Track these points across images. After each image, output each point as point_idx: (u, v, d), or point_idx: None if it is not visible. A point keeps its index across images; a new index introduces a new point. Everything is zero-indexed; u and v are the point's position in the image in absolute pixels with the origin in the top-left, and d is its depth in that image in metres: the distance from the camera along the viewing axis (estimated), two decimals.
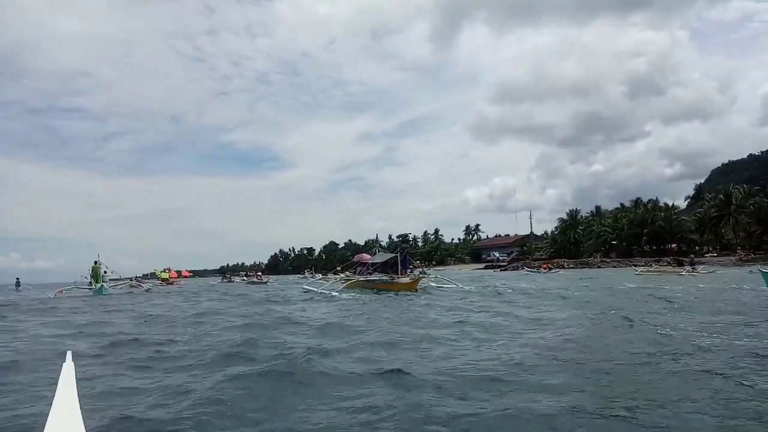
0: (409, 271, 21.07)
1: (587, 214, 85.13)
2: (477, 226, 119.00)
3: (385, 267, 21.11)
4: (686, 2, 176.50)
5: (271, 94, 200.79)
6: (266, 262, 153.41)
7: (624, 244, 71.67)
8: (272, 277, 55.75)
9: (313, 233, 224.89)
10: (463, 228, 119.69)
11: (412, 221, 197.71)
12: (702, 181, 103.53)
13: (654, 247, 69.29)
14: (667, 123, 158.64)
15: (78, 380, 1.65)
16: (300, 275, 60.75)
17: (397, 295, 16.77)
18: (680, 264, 32.96)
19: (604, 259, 66.82)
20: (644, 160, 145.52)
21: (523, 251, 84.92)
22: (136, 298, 19.76)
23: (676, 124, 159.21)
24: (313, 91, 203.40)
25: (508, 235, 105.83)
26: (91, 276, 23.05)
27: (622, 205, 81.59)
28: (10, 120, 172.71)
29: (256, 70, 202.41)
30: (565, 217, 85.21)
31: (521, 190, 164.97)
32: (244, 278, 44.34)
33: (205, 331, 7.57)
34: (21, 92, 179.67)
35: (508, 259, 79.17)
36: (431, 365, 4.50)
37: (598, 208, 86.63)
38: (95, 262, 23.20)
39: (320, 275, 45.65)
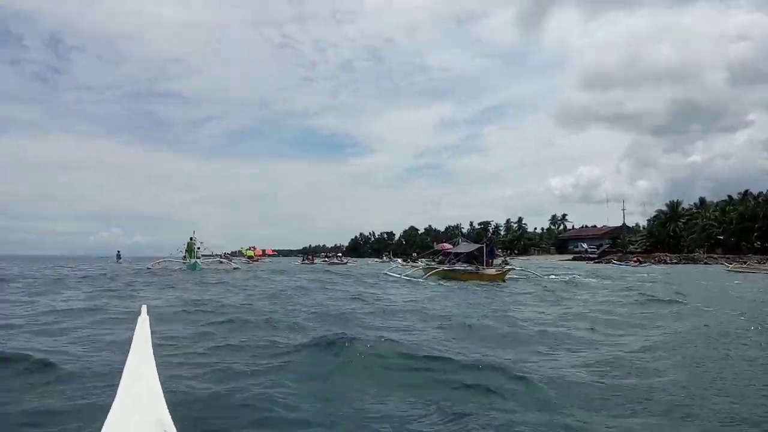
0: (493, 261, 20.29)
1: (689, 206, 78.62)
2: (564, 215, 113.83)
3: (469, 257, 20.46)
4: None
5: (353, 81, 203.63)
6: (347, 244, 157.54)
7: (732, 239, 65.27)
8: (351, 260, 57.00)
9: (391, 218, 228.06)
10: (549, 218, 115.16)
11: (491, 209, 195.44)
12: None
13: (767, 244, 62.35)
14: None
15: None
16: (378, 259, 61.32)
17: (488, 284, 16.40)
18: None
19: (710, 255, 60.97)
20: (745, 152, 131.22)
21: (615, 243, 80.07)
22: (238, 274, 20.53)
23: None
24: (395, 77, 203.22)
25: (595, 226, 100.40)
26: (186, 251, 24.31)
27: (729, 197, 74.45)
28: (111, 104, 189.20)
29: (341, 57, 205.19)
30: (663, 208, 79.39)
31: (609, 181, 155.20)
32: (325, 260, 45.29)
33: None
34: (122, 77, 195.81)
35: (598, 251, 75.06)
36: None
37: (702, 200, 79.70)
38: (190, 238, 24.35)
39: (401, 260, 46.32)
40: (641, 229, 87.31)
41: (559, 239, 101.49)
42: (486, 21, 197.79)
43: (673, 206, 78.32)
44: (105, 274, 19.46)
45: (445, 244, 31.22)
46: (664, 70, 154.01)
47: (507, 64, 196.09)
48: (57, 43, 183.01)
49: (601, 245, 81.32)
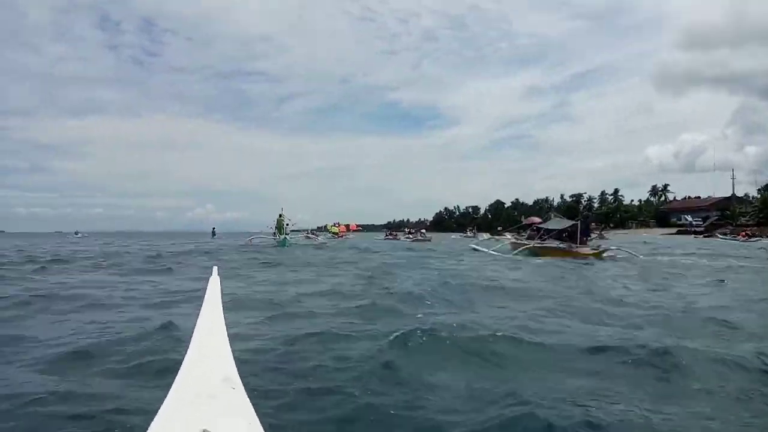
0: (588, 239, 19.01)
1: None
2: (665, 186, 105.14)
3: (560, 234, 19.33)
4: None
5: (436, 51, 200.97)
6: (431, 218, 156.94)
7: None
8: (433, 234, 56.69)
9: (476, 191, 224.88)
10: (648, 189, 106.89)
11: (582, 181, 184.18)
12: None
13: None
14: None
15: None
16: (462, 234, 60.55)
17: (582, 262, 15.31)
18: None
19: None
20: None
21: (724, 215, 72.68)
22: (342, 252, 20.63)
23: None
24: (480, 44, 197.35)
25: (699, 197, 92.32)
26: (276, 227, 25.08)
27: None
28: (201, 84, 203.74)
29: (423, 27, 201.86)
30: None
31: (714, 148, 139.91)
32: (409, 236, 45.19)
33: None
34: (211, 57, 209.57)
35: (704, 225, 68.46)
36: None
37: None
38: (279, 215, 25.07)
39: (486, 235, 45.46)
40: (752, 199, 78.48)
41: (660, 211, 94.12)
42: None
43: None
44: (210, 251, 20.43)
45: (534, 218, 29.97)
46: None
47: (598, 26, 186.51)
48: (150, 27, 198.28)
49: (707, 217, 74.23)
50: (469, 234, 55.11)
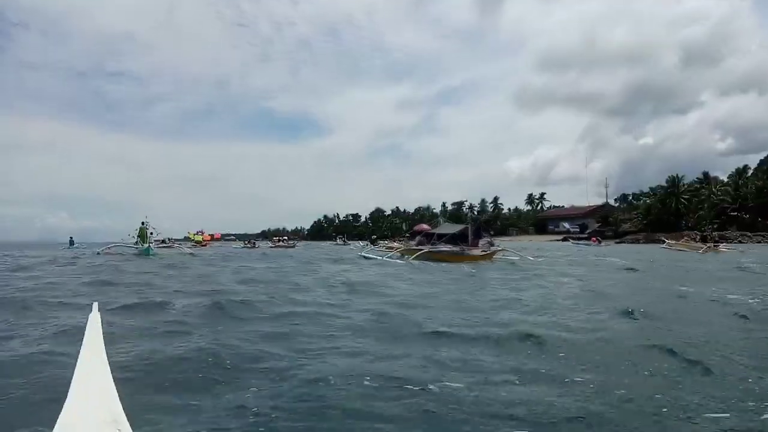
0: (479, 241, 20.55)
1: (694, 181, 79.77)
2: (542, 194, 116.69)
3: (453, 239, 20.66)
4: None
5: (311, 60, 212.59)
6: (308, 227, 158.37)
7: (746, 215, 66.88)
8: (300, 243, 58.38)
9: (354, 200, 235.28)
10: (524, 198, 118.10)
11: (452, 191, 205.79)
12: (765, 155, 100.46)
13: None
14: (723, 94, 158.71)
15: None
16: (332, 242, 62.27)
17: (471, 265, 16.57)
18: (704, 240, 36.39)
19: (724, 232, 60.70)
20: (696, 133, 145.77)
21: (607, 222, 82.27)
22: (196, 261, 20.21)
23: (731, 95, 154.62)
24: (354, 56, 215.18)
25: (573, 206, 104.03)
26: (138, 236, 24.67)
27: (745, 167, 76.79)
28: (58, 82, 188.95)
29: (298, 35, 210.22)
30: (622, 189, 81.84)
31: (566, 161, 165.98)
32: (270, 244, 47.39)
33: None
34: (68, 55, 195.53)
35: (588, 232, 77.02)
36: None
37: (706, 174, 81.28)
38: (142, 223, 24.65)
39: (361, 243, 47.69)
40: (621, 207, 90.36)
41: (539, 219, 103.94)
42: (445, 1, 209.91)
43: (674, 181, 78.16)
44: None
45: (423, 225, 31.74)
46: (618, 52, 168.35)
47: (466, 45, 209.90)
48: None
49: (584, 225, 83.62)
50: (339, 242, 57.07)
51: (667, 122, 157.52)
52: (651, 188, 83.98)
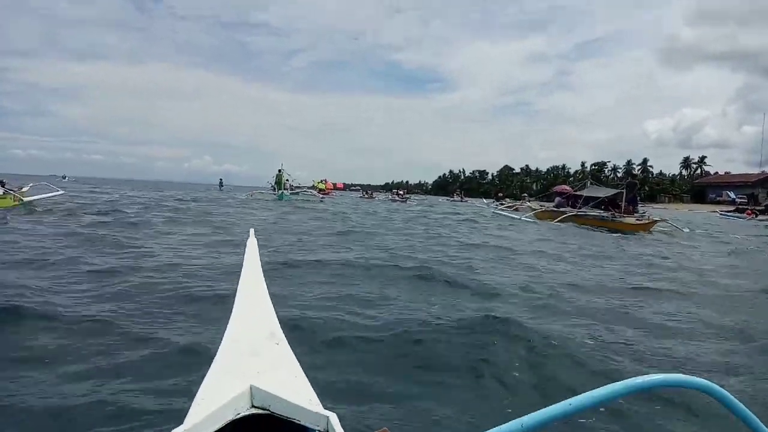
0: (634, 209, 19.38)
1: None
2: (702, 158, 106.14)
3: (601, 203, 19.74)
4: None
5: (442, 11, 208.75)
6: (431, 182, 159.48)
7: None
8: (417, 197, 60.92)
9: (479, 157, 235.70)
10: (680, 160, 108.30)
11: (584, 151, 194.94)
12: None
13: None
14: None
15: None
16: (449, 197, 62.21)
17: (626, 234, 15.83)
18: None
19: None
20: None
21: None
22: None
23: None
24: (487, 5, 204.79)
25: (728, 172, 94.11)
26: (275, 182, 27.62)
27: None
28: (205, 34, 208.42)
29: None
30: None
31: (713, 126, 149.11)
32: (394, 197, 49.25)
33: None
34: (215, 7, 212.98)
35: (765, 203, 69.23)
36: None
37: None
38: (279, 171, 27.36)
39: (485, 201, 47.54)
40: None
41: (697, 185, 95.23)
42: None
43: None
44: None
45: (564, 186, 30.55)
46: None
47: None
48: None
49: (753, 194, 75.18)
50: (456, 198, 56.72)
51: None
52: None
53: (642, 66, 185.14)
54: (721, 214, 46.46)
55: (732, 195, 77.11)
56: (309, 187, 45.47)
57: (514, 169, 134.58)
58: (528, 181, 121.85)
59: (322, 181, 51.66)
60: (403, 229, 12.70)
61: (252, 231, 2.32)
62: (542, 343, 3.25)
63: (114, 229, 8.84)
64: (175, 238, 8.16)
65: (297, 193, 32.25)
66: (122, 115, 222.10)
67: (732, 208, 58.57)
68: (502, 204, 37.24)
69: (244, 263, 2.00)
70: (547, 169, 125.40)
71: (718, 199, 79.42)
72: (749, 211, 47.90)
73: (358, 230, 11.46)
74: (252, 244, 2.16)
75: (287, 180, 28.02)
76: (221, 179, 50.87)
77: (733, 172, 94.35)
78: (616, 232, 16.49)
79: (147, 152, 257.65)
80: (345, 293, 4.57)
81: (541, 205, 25.65)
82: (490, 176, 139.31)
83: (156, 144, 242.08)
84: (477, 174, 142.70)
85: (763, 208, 64.29)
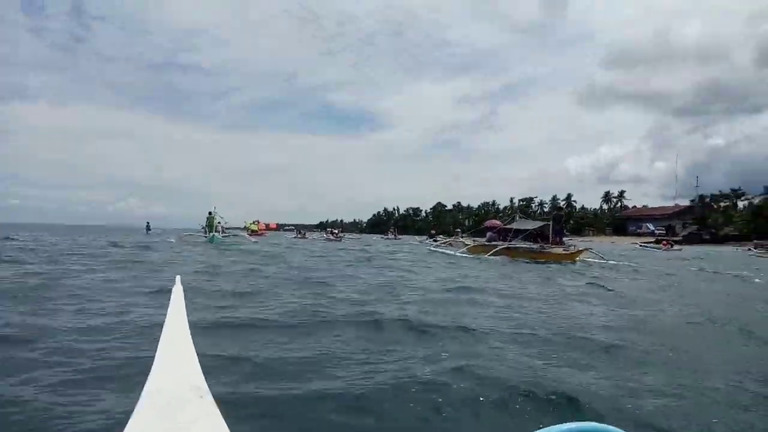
0: (561, 240, 20.32)
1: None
2: (621, 192, 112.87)
3: (530, 236, 20.58)
4: None
5: (374, 55, 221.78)
6: (366, 219, 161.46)
7: None
8: (352, 235, 63.51)
9: (412, 194, 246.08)
10: (598, 196, 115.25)
11: (511, 188, 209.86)
12: None
13: None
14: None
15: None
16: (383, 235, 63.46)
17: (560, 264, 16.78)
18: None
19: None
20: None
21: (705, 224, 78.77)
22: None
23: None
24: (416, 51, 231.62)
25: (645, 206, 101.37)
26: (207, 224, 27.37)
27: None
28: (133, 74, 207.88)
29: (362, 31, 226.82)
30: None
31: (628, 162, 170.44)
32: (323, 235, 50.55)
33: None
34: (144, 48, 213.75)
35: (682, 235, 74.11)
36: None
37: None
38: (210, 213, 27.25)
39: (418, 239, 49.04)
40: (719, 208, 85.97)
41: (618, 219, 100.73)
42: None
43: None
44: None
45: (494, 220, 31.72)
46: (690, 49, 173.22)
47: (530, 39, 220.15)
48: (80, 13, 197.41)
49: (670, 226, 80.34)
50: (389, 236, 57.69)
51: (739, 123, 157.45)
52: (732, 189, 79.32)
53: (562, 106, 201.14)
54: (641, 245, 49.72)
55: (651, 227, 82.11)
56: (241, 229, 44.96)
57: (446, 206, 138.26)
58: (461, 217, 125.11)
59: (254, 222, 51.52)
60: (340, 270, 12.60)
61: (178, 278, 2.25)
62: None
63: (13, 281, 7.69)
64: (88, 290, 7.08)
65: (228, 236, 31.72)
66: (43, 158, 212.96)
67: (652, 239, 62.56)
68: (435, 241, 38.07)
69: (168, 311, 1.94)
70: (479, 205, 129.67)
71: (638, 231, 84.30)
72: (665, 242, 51.55)
73: (295, 271, 11.19)
74: (178, 292, 2.10)
75: (219, 222, 27.71)
76: (148, 222, 49.38)
77: (650, 205, 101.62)
78: (546, 263, 17.31)
79: (69, 196, 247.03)
80: (296, 351, 4.05)
81: (474, 240, 26.27)
82: (424, 213, 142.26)
83: (78, 187, 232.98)
84: (411, 211, 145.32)
85: (680, 238, 69.06)
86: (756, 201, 79.05)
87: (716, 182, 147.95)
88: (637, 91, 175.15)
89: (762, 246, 43.75)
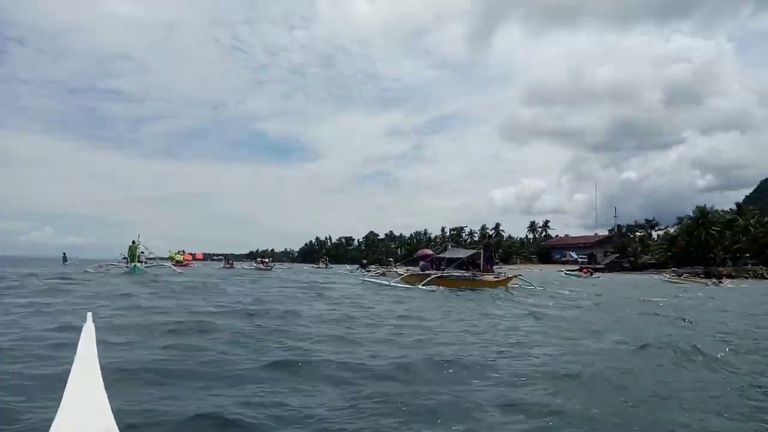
0: (492, 268, 20.88)
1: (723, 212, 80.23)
2: (546, 222, 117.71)
3: (462, 264, 21.01)
4: (729, 12, 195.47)
5: (304, 86, 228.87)
6: (298, 249, 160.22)
7: None
8: (283, 265, 62.56)
9: (344, 224, 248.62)
10: (527, 225, 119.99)
11: (440, 218, 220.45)
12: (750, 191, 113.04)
13: None
14: (704, 133, 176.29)
15: None
16: (314, 265, 62.95)
17: (488, 290, 17.18)
18: (708, 276, 38.39)
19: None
20: (677, 170, 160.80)
21: (625, 252, 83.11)
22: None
23: (713, 134, 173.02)
24: (346, 84, 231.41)
25: (567, 235, 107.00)
26: (129, 254, 25.68)
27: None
28: (50, 99, 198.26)
29: (292, 62, 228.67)
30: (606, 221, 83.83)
31: (549, 194, 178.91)
32: (253, 265, 50.23)
33: None
34: (62, 72, 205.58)
35: (605, 262, 78.10)
36: None
37: (738, 204, 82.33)
38: (133, 242, 25.69)
39: (348, 267, 49.26)
40: (635, 238, 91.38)
41: (543, 247, 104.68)
42: (437, 34, 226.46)
43: (703, 212, 77.19)
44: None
45: (426, 250, 32.19)
46: (603, 89, 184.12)
47: (456, 77, 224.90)
48: None
49: (592, 254, 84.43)
50: (321, 265, 57.43)
51: (650, 158, 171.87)
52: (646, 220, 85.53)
53: (488, 140, 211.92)
54: (566, 273, 52.33)
55: (574, 255, 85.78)
56: (165, 258, 43.23)
57: (379, 235, 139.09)
58: (393, 246, 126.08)
59: (179, 252, 49.60)
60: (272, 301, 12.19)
61: (90, 315, 2.07)
62: None
63: None
64: None
65: (152, 266, 30.48)
66: None
67: (576, 267, 65.69)
68: (368, 270, 38.08)
69: (78, 351, 1.79)
70: (410, 235, 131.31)
71: (562, 259, 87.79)
72: (585, 270, 55.06)
73: (225, 306, 10.29)
74: (89, 330, 1.95)
75: (143, 252, 26.42)
76: (64, 253, 46.73)
77: (571, 234, 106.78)
78: (478, 290, 17.72)
79: None
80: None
81: (407, 270, 26.51)
82: (356, 242, 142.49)
83: None
84: (344, 240, 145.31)
85: (603, 266, 72.85)
86: (672, 231, 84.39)
87: (631, 213, 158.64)
88: (556, 127, 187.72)
89: (675, 273, 46.99)
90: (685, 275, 42.45)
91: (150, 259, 29.36)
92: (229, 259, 56.77)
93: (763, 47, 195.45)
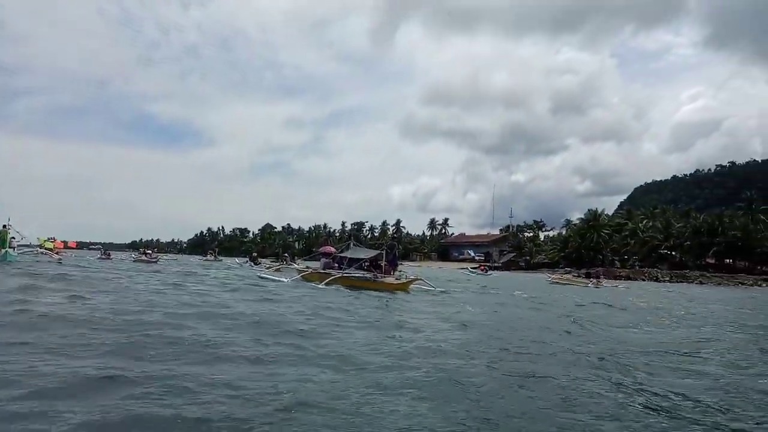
0: (394, 270, 21.12)
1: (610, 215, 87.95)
2: (446, 220, 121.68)
3: (363, 264, 21.10)
4: (613, 29, 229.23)
5: (199, 68, 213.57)
6: (187, 240, 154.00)
7: (674, 253, 72.96)
8: (168, 256, 60.26)
9: (238, 215, 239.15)
10: (421, 222, 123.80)
11: (339, 211, 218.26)
12: (624, 197, 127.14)
13: (727, 261, 70.61)
14: (586, 141, 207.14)
15: None
16: (203, 257, 60.88)
17: (391, 294, 17.46)
18: (588, 277, 40.59)
19: (676, 271, 66.27)
20: (560, 175, 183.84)
21: (521, 252, 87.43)
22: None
23: (593, 143, 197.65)
24: (244, 69, 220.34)
25: (463, 233, 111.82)
26: None
27: (657, 208, 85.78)
28: None
29: (186, 41, 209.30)
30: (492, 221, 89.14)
31: (444, 192, 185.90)
32: (134, 256, 47.29)
33: None
34: None
35: (502, 261, 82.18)
36: None
37: (629, 210, 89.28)
38: (3, 226, 23.77)
39: (238, 261, 47.65)
40: (525, 239, 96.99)
41: (442, 245, 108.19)
42: (340, 26, 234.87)
43: (595, 215, 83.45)
44: None
45: (329, 247, 31.92)
46: (497, 94, 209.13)
47: (358, 70, 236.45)
48: None
49: (488, 252, 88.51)
50: (209, 258, 55.50)
51: (537, 163, 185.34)
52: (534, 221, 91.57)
53: (387, 137, 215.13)
54: (470, 271, 54.78)
55: (472, 253, 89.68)
56: (35, 246, 40.05)
57: (276, 228, 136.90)
58: (290, 239, 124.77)
59: (49, 239, 46.08)
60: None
61: None
62: None
63: None
64: None
65: (26, 253, 28.33)
66: None
67: (476, 264, 68.77)
68: (256, 263, 37.29)
69: None
70: (309, 228, 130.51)
71: (460, 256, 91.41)
72: (482, 267, 58.11)
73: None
74: None
75: (14, 238, 24.27)
76: None
77: (466, 233, 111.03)
78: (379, 292, 17.93)
79: None
80: None
81: (306, 267, 26.23)
82: (251, 234, 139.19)
83: None
84: (238, 232, 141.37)
85: (500, 265, 76.86)
86: (559, 232, 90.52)
87: (519, 215, 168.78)
88: (452, 128, 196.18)
89: (559, 273, 50.40)
90: (565, 276, 45.23)
91: (22, 245, 27.46)
92: (107, 249, 53.29)
93: (640, 64, 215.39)
